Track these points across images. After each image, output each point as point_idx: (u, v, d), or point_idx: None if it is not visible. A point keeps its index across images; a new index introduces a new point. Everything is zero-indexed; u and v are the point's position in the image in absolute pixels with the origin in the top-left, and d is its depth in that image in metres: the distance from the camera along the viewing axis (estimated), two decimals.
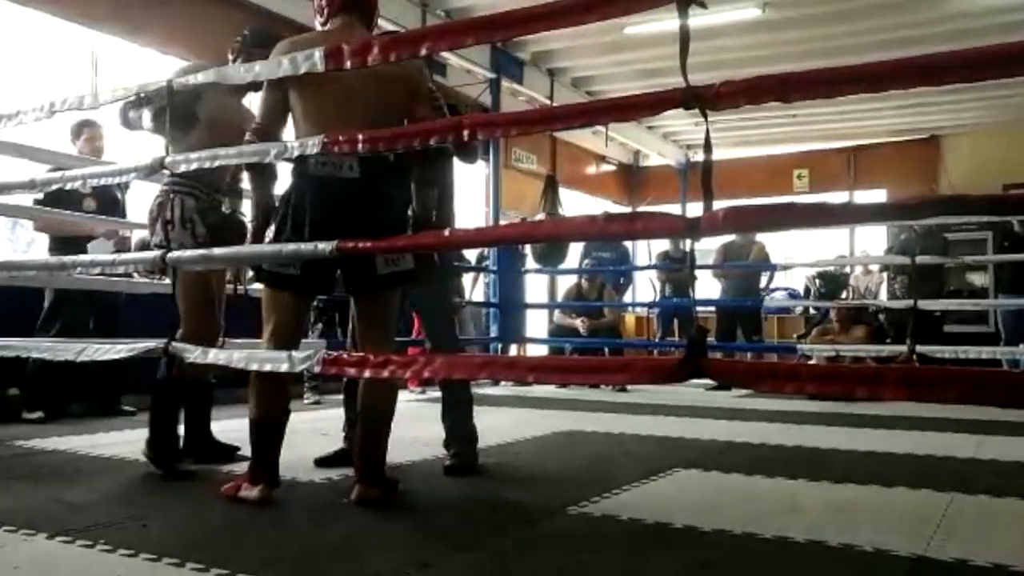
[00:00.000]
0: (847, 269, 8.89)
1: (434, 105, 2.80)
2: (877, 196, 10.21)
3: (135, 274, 4.30)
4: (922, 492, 2.62)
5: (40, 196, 4.11)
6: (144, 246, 5.00)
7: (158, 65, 5.64)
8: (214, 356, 2.60)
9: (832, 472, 2.92)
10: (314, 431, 3.60)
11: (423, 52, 2.08)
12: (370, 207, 2.42)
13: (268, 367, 2.38)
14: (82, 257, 3.46)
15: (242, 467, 2.75)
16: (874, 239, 9.98)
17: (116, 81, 5.20)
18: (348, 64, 2.16)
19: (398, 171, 2.50)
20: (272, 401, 2.50)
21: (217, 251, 2.73)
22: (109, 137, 4.58)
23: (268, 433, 2.51)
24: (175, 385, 3.02)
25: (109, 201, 4.53)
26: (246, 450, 2.70)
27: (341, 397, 4.16)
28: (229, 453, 3.18)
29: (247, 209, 2.97)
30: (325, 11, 2.60)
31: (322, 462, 3.06)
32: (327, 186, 2.42)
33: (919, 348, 5.10)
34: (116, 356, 2.82)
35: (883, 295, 8.19)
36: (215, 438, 3.23)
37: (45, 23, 5.31)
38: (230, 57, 3.11)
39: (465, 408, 3.14)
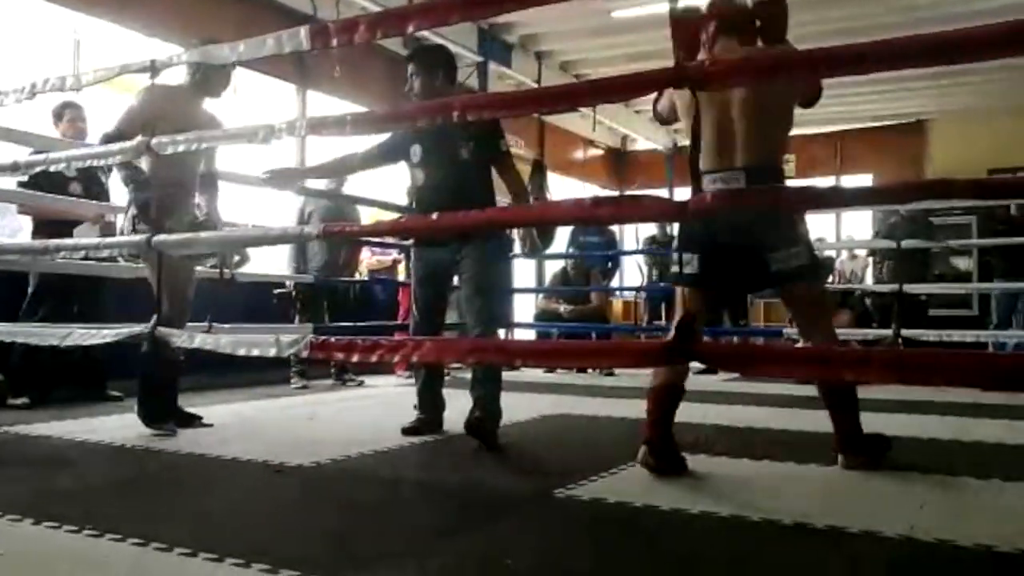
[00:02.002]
0: (833, 254, 8.94)
1: None
2: (863, 181, 10.25)
3: (119, 258, 4.27)
4: (907, 474, 2.64)
5: (25, 179, 4.06)
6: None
7: (141, 47, 5.57)
8: (201, 340, 2.59)
9: (819, 455, 2.93)
10: (301, 416, 3.59)
11: (409, 30, 2.06)
12: None
13: (256, 351, 2.37)
14: (65, 241, 3.43)
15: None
16: (860, 224, 10.02)
17: (98, 63, 5.14)
18: (335, 43, 2.14)
19: None
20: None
21: (203, 235, 2.72)
22: (92, 119, 4.52)
23: (671, 397, 2.82)
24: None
25: (94, 185, 4.48)
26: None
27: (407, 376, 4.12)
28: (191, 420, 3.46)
29: None
30: (707, 43, 2.62)
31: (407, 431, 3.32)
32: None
33: (904, 332, 5.15)
34: (101, 341, 2.81)
35: (869, 279, 8.24)
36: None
37: (26, 3, 5.23)
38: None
39: (495, 385, 3.31)
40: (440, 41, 7.44)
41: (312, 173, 3.69)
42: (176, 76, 3.36)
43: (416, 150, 3.34)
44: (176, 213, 3.25)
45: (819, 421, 3.69)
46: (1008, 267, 6.51)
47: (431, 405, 3.48)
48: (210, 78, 3.32)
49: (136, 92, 3.25)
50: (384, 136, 3.43)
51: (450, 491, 2.47)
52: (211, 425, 3.46)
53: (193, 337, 2.70)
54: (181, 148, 2.63)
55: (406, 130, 3.30)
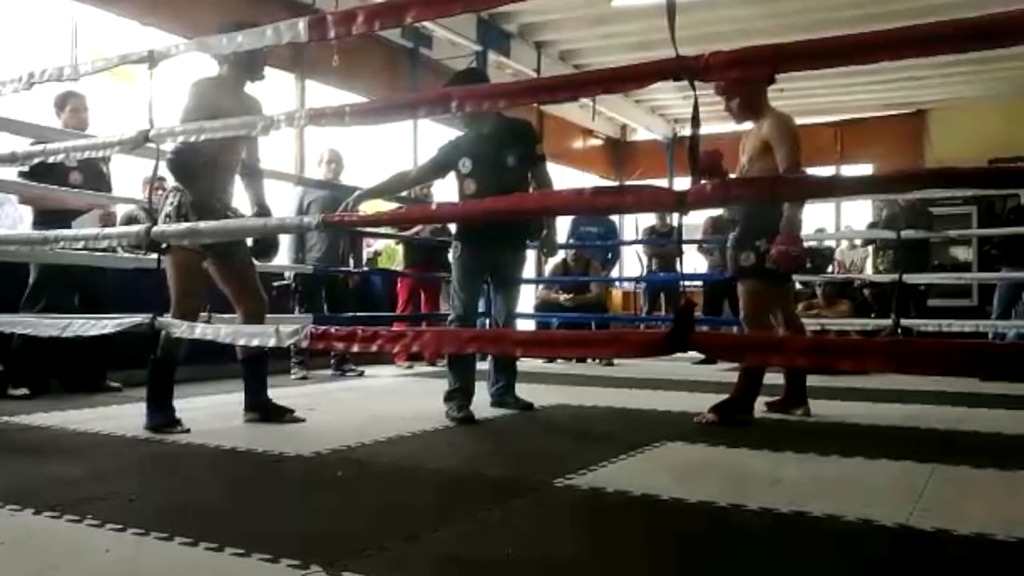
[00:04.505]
0: (833, 243, 8.93)
1: None
2: (863, 171, 10.21)
3: (119, 249, 4.26)
4: (905, 463, 2.65)
5: (26, 169, 4.06)
6: (130, 220, 4.97)
7: (138, 36, 5.55)
8: (201, 331, 2.59)
9: (816, 444, 2.94)
10: (301, 407, 3.60)
11: (408, 20, 2.06)
12: None
13: (255, 341, 2.38)
14: (65, 231, 3.43)
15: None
16: (859, 214, 10.00)
17: (97, 52, 5.12)
18: (333, 34, 2.14)
19: None
20: None
21: (203, 225, 2.72)
22: (93, 109, 4.52)
23: None
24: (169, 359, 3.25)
25: (95, 175, 4.47)
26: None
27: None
28: (282, 413, 3.44)
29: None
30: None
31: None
32: None
33: (903, 321, 5.15)
34: (101, 332, 2.82)
35: (868, 269, 8.24)
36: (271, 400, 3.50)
37: None
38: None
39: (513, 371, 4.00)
40: (438, 31, 7.47)
41: (369, 195, 3.74)
42: (211, 66, 3.32)
43: (466, 162, 3.59)
44: (222, 206, 3.25)
45: (816, 410, 3.71)
46: (1013, 255, 6.48)
47: (466, 375, 3.63)
48: (253, 60, 3.24)
49: (187, 91, 3.17)
50: (434, 152, 3.73)
51: (450, 480, 2.47)
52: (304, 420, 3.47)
53: (193, 328, 2.70)
54: (180, 139, 2.62)
55: (456, 144, 3.68)
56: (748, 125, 3.62)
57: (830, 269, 8.43)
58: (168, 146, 2.90)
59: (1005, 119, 9.43)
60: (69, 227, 3.94)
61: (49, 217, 4.25)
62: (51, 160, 3.25)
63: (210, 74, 3.29)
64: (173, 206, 3.18)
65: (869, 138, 10.63)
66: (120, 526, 1.83)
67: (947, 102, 10.06)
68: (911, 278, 5.63)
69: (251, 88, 3.36)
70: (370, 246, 7.09)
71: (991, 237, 7.42)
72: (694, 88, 1.76)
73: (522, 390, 4.00)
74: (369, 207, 5.76)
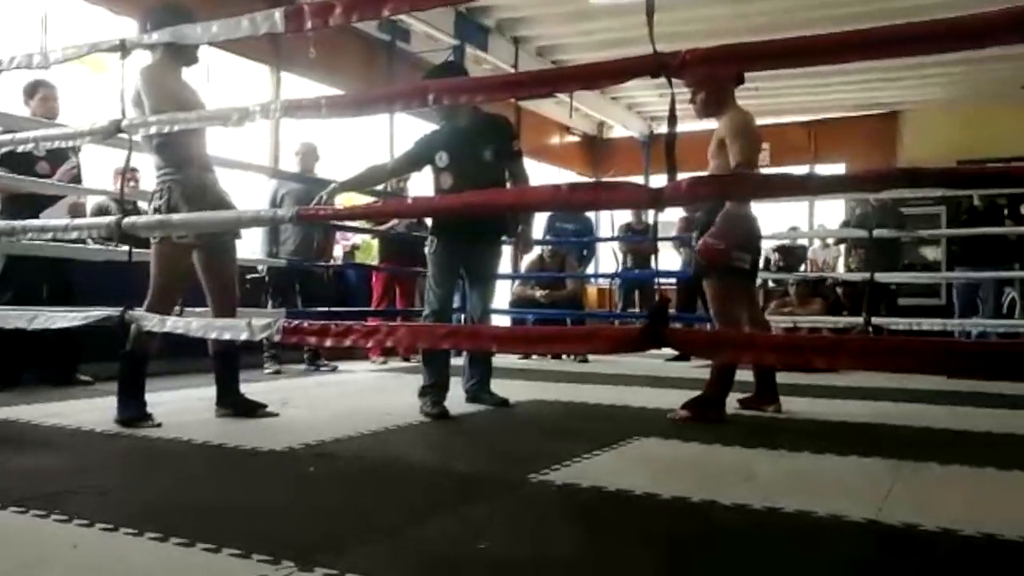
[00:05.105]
0: (806, 242, 9.03)
1: None
2: (837, 170, 10.32)
3: (89, 240, 4.20)
4: (874, 460, 2.68)
5: None
6: (100, 211, 4.90)
7: (109, 26, 5.47)
8: (172, 324, 2.56)
9: (788, 441, 2.97)
10: (274, 401, 3.57)
11: (386, 13, 2.05)
12: None
13: (227, 335, 2.35)
14: (32, 222, 3.38)
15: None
16: (832, 213, 10.11)
17: (68, 41, 5.03)
18: (310, 25, 2.12)
19: None
20: None
21: (175, 217, 2.69)
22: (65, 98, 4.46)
23: None
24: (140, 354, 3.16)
25: (62, 164, 4.40)
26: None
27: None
28: (255, 408, 3.41)
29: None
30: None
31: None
32: None
33: (874, 320, 5.22)
34: (69, 324, 2.78)
35: (840, 268, 8.34)
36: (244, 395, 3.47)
37: None
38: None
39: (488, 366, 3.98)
40: (416, 24, 7.43)
41: (343, 188, 3.66)
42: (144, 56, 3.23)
43: (442, 156, 3.56)
44: (213, 193, 3.19)
45: (788, 407, 3.75)
46: (966, 255, 6.62)
47: (441, 370, 3.61)
48: (184, 46, 3.06)
49: (143, 80, 3.06)
50: (410, 145, 3.71)
51: (424, 476, 2.47)
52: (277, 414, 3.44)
53: (164, 321, 2.67)
54: (153, 129, 2.59)
55: (432, 137, 3.64)
56: (714, 123, 3.61)
57: (803, 268, 8.53)
58: (139, 136, 2.86)
59: (976, 122, 9.57)
60: (37, 218, 3.88)
61: (18, 207, 4.18)
62: (19, 149, 3.20)
63: (149, 62, 3.16)
64: (164, 200, 3.09)
65: (843, 138, 10.75)
66: (88, 521, 1.81)
67: (920, 104, 10.19)
68: (882, 277, 5.70)
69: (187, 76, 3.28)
70: (348, 239, 7.06)
71: (959, 237, 7.56)
72: (671, 85, 1.77)
73: (497, 386, 4.00)
74: (344, 200, 5.76)
